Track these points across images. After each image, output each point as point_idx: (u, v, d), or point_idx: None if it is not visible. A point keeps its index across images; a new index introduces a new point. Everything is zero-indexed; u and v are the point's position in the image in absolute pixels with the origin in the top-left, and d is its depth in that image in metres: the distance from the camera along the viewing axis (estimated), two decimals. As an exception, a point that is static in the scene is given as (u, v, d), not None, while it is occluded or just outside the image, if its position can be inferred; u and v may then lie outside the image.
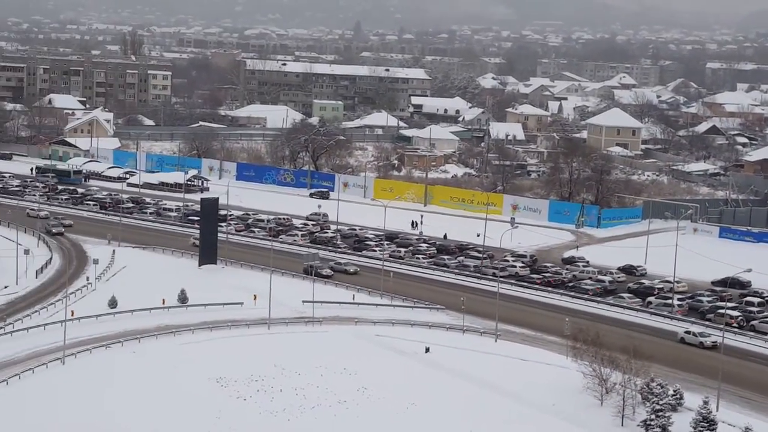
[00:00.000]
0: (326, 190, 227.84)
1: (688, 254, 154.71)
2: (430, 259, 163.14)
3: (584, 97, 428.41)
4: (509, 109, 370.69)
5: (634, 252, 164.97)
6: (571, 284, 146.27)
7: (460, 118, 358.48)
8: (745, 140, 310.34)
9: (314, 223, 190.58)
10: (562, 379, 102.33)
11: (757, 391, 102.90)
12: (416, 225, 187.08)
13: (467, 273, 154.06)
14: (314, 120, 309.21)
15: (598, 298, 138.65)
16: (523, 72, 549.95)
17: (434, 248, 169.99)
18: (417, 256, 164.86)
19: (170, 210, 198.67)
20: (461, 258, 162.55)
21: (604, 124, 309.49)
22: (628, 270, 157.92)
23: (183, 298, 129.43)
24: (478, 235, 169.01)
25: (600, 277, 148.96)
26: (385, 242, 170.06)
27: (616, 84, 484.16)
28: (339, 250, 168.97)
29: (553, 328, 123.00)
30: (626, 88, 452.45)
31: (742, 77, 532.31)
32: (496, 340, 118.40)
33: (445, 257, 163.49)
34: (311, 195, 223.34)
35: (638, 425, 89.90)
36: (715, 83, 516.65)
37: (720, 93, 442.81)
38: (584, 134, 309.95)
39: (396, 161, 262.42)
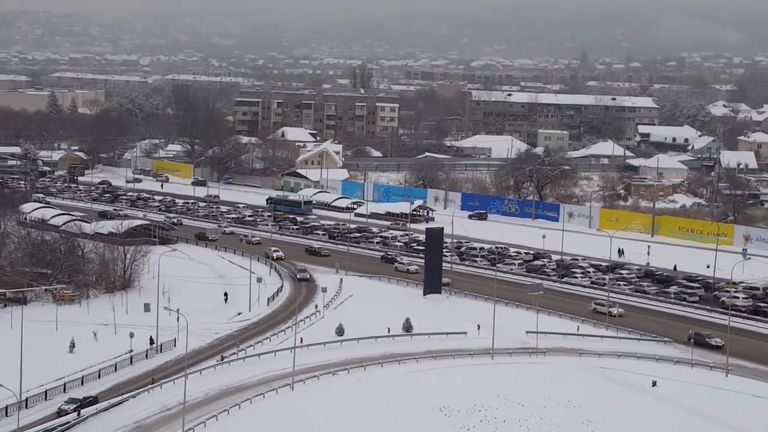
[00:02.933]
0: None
1: None
2: (631, 286, 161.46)
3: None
4: (741, 137, 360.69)
5: None
6: None
7: (689, 147, 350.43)
8: None
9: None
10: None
11: None
12: (622, 253, 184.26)
13: (666, 299, 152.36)
14: (539, 150, 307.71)
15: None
16: (757, 99, 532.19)
17: (636, 276, 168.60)
18: (619, 283, 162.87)
19: (395, 239, 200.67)
20: (673, 287, 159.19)
21: None
22: None
23: (408, 327, 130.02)
24: (708, 267, 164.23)
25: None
26: (592, 270, 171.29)
27: None
28: (546, 277, 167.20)
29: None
30: None
31: None
32: (727, 375, 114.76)
33: (644, 284, 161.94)
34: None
35: None
36: None
37: None
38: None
39: (622, 191, 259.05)
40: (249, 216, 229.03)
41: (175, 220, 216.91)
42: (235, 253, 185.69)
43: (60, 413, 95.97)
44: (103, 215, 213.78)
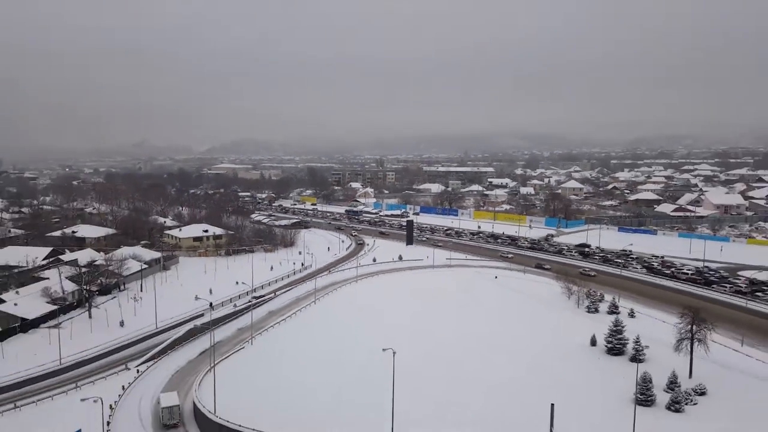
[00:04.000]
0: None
1: (605, 237, 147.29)
2: (482, 240, 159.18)
3: (559, 176, 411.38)
4: (528, 182, 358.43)
5: (581, 237, 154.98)
6: (543, 248, 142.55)
7: (507, 186, 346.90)
8: (628, 192, 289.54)
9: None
10: (552, 289, 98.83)
11: (637, 293, 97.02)
12: (480, 227, 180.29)
13: (500, 245, 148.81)
14: (449, 189, 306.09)
15: (557, 255, 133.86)
16: (533, 166, 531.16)
17: (486, 236, 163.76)
18: (479, 239, 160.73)
19: (394, 225, 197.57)
20: (500, 239, 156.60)
21: (568, 186, 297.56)
22: (547, 238, 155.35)
23: (400, 257, 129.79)
24: (516, 232, 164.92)
25: (561, 246, 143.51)
26: (469, 233, 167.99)
27: (573, 170, 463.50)
28: (453, 237, 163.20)
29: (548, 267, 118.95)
30: (576, 172, 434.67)
31: (626, 166, 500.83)
32: (524, 273, 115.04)
33: (489, 239, 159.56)
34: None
35: (585, 307, 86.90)
36: (615, 168, 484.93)
37: (619, 172, 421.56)
38: (559, 191, 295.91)
39: (482, 203, 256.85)
40: (338, 216, 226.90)
41: (331, 222, 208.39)
42: (335, 231, 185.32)
43: (250, 302, 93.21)
44: (298, 223, 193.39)
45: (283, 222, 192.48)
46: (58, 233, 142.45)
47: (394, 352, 52.47)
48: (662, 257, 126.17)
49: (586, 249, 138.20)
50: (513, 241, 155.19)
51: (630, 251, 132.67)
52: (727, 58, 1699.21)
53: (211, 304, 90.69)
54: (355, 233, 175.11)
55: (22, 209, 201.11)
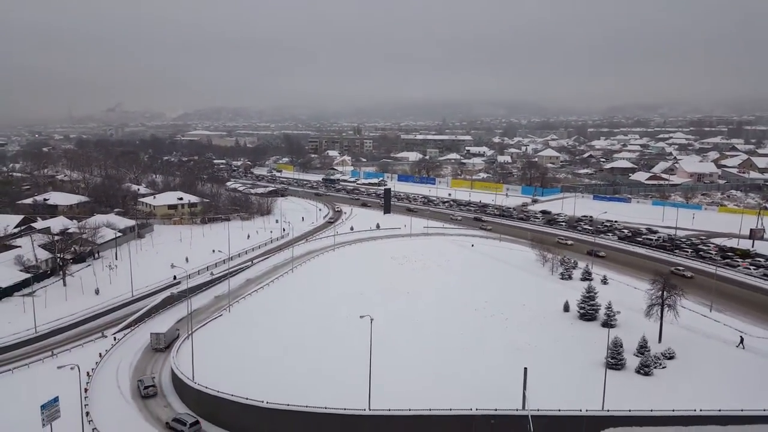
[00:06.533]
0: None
1: (579, 205, 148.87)
2: (456, 207, 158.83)
3: (536, 144, 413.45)
4: (505, 150, 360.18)
5: (557, 204, 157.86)
6: (517, 216, 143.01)
7: (485, 154, 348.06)
8: (604, 160, 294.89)
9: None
10: (527, 255, 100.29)
11: (612, 261, 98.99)
12: (451, 195, 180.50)
13: (478, 213, 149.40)
14: (427, 157, 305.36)
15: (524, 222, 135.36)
16: (511, 135, 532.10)
17: (461, 204, 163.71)
18: (452, 206, 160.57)
19: (371, 193, 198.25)
20: (473, 206, 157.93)
21: (544, 155, 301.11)
22: (523, 205, 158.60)
23: (377, 226, 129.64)
24: (493, 200, 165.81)
25: (536, 214, 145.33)
26: (444, 201, 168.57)
27: (550, 138, 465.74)
28: (430, 206, 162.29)
29: (523, 235, 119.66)
30: (553, 140, 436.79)
31: (602, 134, 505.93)
32: (500, 240, 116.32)
33: (463, 207, 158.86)
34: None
35: (560, 274, 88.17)
36: (591, 137, 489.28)
37: (595, 141, 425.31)
38: (536, 159, 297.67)
39: (460, 171, 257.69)
40: (315, 184, 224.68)
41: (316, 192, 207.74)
42: (311, 199, 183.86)
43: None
44: (275, 191, 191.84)
45: (260, 190, 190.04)
46: (29, 201, 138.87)
47: (371, 319, 53.00)
48: (615, 221, 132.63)
49: (555, 216, 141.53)
50: (484, 208, 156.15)
51: (591, 217, 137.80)
52: (702, 29, 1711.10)
53: (174, 276, 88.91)
54: (338, 207, 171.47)
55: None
